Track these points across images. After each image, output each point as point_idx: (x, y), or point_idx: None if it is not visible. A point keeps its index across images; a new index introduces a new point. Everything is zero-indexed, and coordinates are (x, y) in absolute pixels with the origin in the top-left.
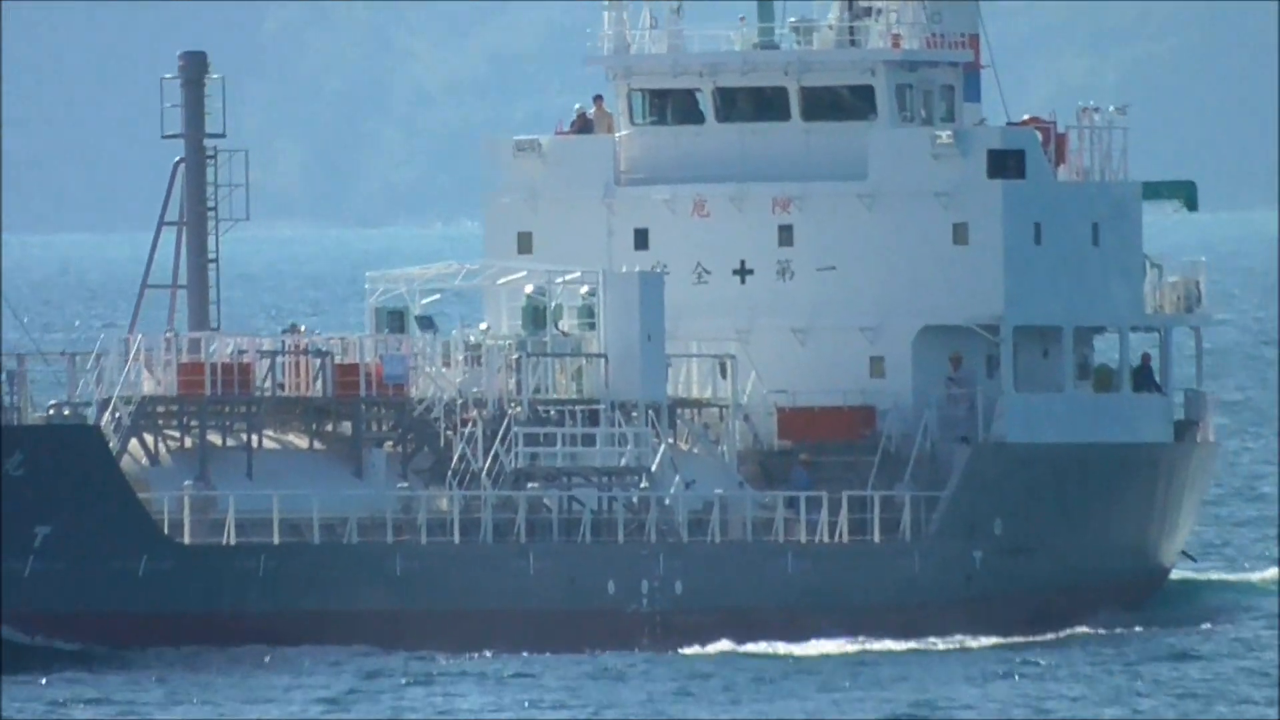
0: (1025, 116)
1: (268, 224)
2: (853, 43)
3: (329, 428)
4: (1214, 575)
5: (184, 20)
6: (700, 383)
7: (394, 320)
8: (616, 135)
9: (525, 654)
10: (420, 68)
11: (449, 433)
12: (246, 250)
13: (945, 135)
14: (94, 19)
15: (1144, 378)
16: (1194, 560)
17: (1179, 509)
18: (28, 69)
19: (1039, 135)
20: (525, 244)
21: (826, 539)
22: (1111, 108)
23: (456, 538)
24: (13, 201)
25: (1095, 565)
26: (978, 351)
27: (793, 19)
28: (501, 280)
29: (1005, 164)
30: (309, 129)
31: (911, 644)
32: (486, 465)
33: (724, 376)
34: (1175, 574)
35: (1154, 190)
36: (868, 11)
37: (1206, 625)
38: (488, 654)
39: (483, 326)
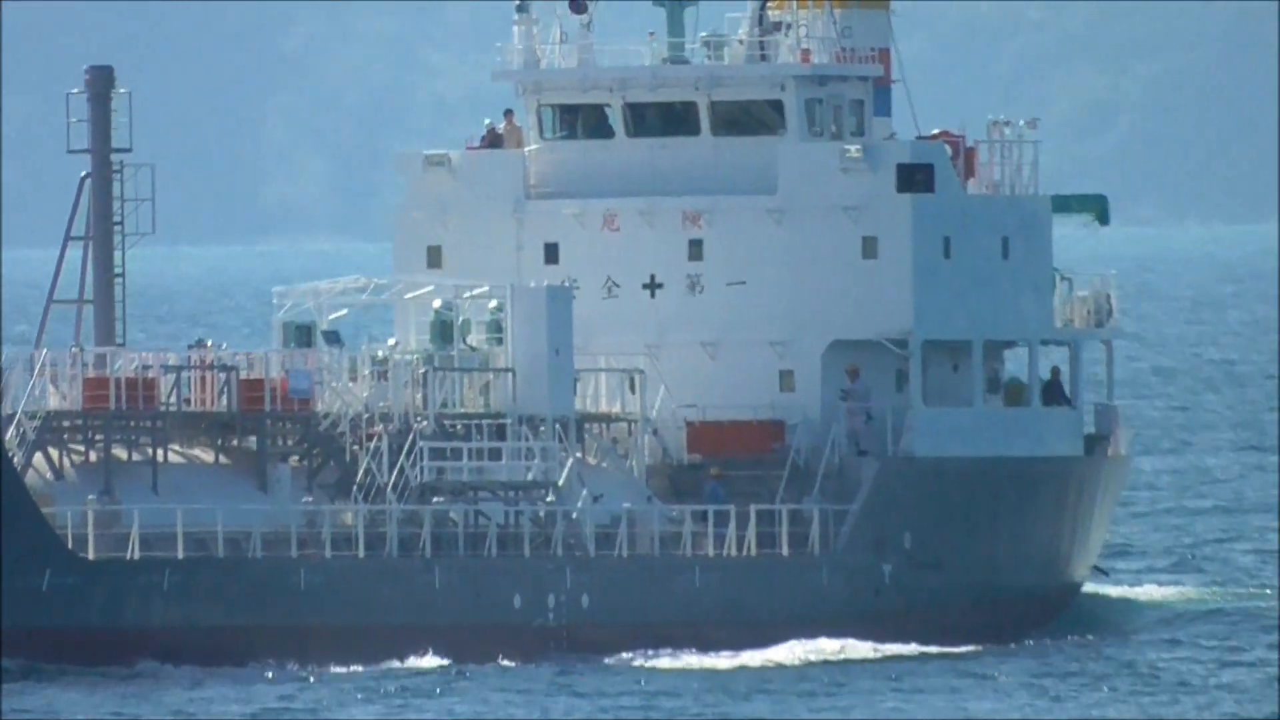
0: (935, 130)
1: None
2: (763, 58)
3: (235, 443)
4: (1126, 590)
5: (212, 24)
6: (609, 397)
7: (301, 335)
8: (526, 150)
9: (436, 665)
10: (442, 82)
11: (355, 447)
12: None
13: (854, 150)
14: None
15: (1054, 392)
16: (1106, 574)
17: (1090, 523)
18: None
19: (948, 149)
20: (435, 258)
21: (734, 553)
22: (1022, 121)
23: (361, 552)
24: None
25: (1006, 579)
26: (888, 366)
27: (703, 34)
28: (408, 295)
29: (914, 178)
30: (331, 142)
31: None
32: (392, 480)
33: (633, 391)
34: (1088, 588)
35: (1065, 204)
36: (778, 26)
37: (1108, 640)
38: (396, 664)
39: (392, 342)
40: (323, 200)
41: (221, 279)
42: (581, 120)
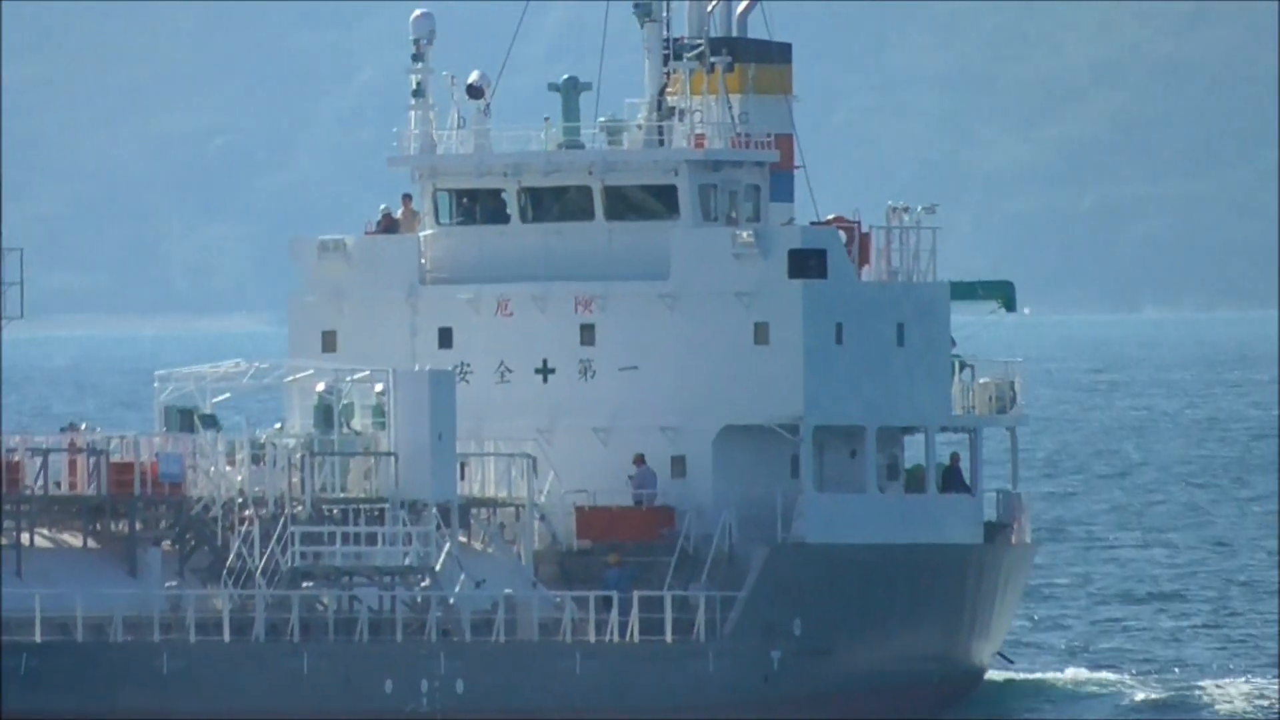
0: (830, 216)
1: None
2: (661, 143)
3: (110, 526)
4: (1034, 675)
5: None
6: (498, 482)
7: (183, 419)
8: (421, 235)
9: None
10: (995, 155)
11: (227, 532)
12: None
13: (746, 235)
14: None
15: (952, 478)
16: (1010, 662)
17: (991, 610)
18: None
19: (842, 235)
20: (330, 343)
21: (617, 639)
22: (920, 207)
23: (227, 636)
24: None
25: (900, 666)
26: (781, 452)
27: (602, 118)
28: (288, 378)
29: (806, 264)
30: (883, 214)
31: None
32: (262, 564)
33: (520, 476)
34: (993, 675)
35: (971, 290)
36: (673, 112)
37: None
38: None
39: (278, 426)
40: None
41: None
42: (480, 205)
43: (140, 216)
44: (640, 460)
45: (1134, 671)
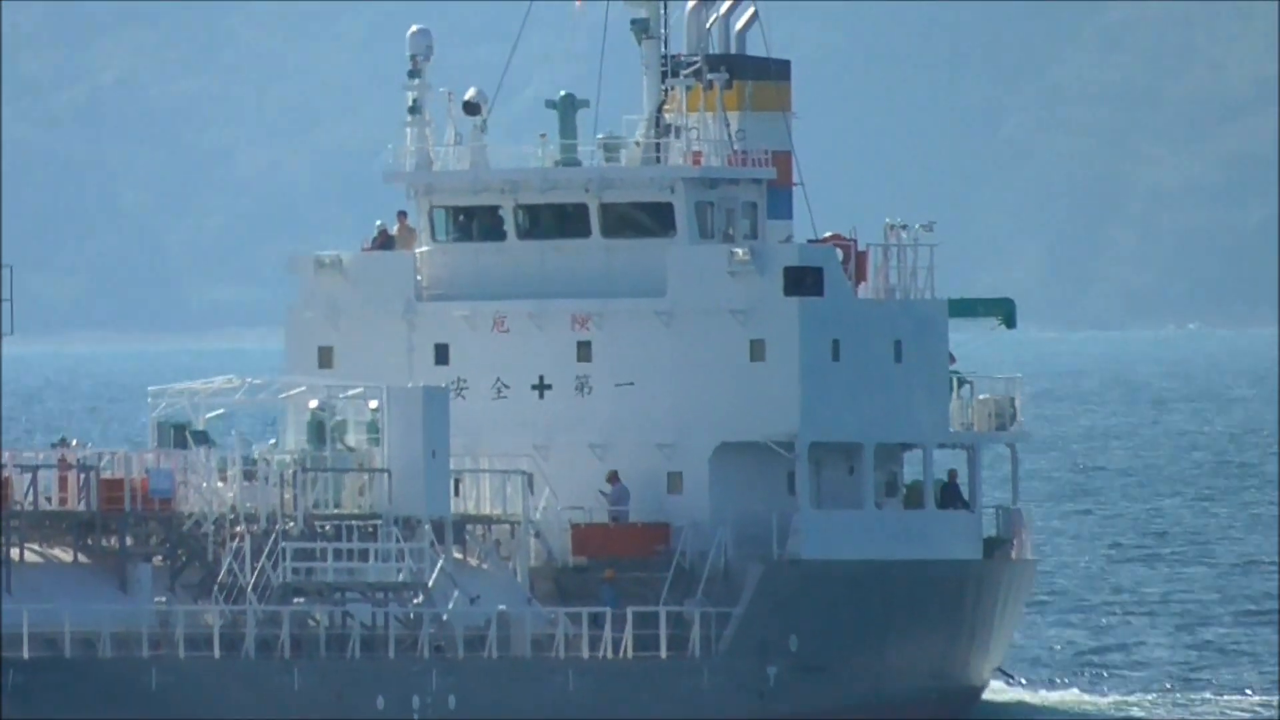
0: (827, 234)
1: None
2: (658, 160)
3: (100, 542)
4: (1032, 694)
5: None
6: (493, 499)
7: (177, 435)
8: (417, 251)
9: None
10: (1159, 171)
11: (218, 548)
12: None
13: (742, 253)
14: None
15: (950, 495)
16: (1011, 678)
17: (990, 627)
18: None
19: (839, 252)
20: (326, 359)
21: (611, 655)
22: (918, 225)
23: (217, 652)
24: None
25: (898, 683)
26: (778, 469)
27: (600, 135)
28: (282, 395)
29: (803, 281)
30: (1048, 230)
31: None
32: (253, 580)
33: (515, 492)
34: (992, 693)
35: (971, 308)
36: (668, 130)
37: None
38: None
39: (272, 442)
40: (1038, 288)
41: None
42: (476, 222)
43: (304, 231)
44: (614, 477)
45: (1134, 689)
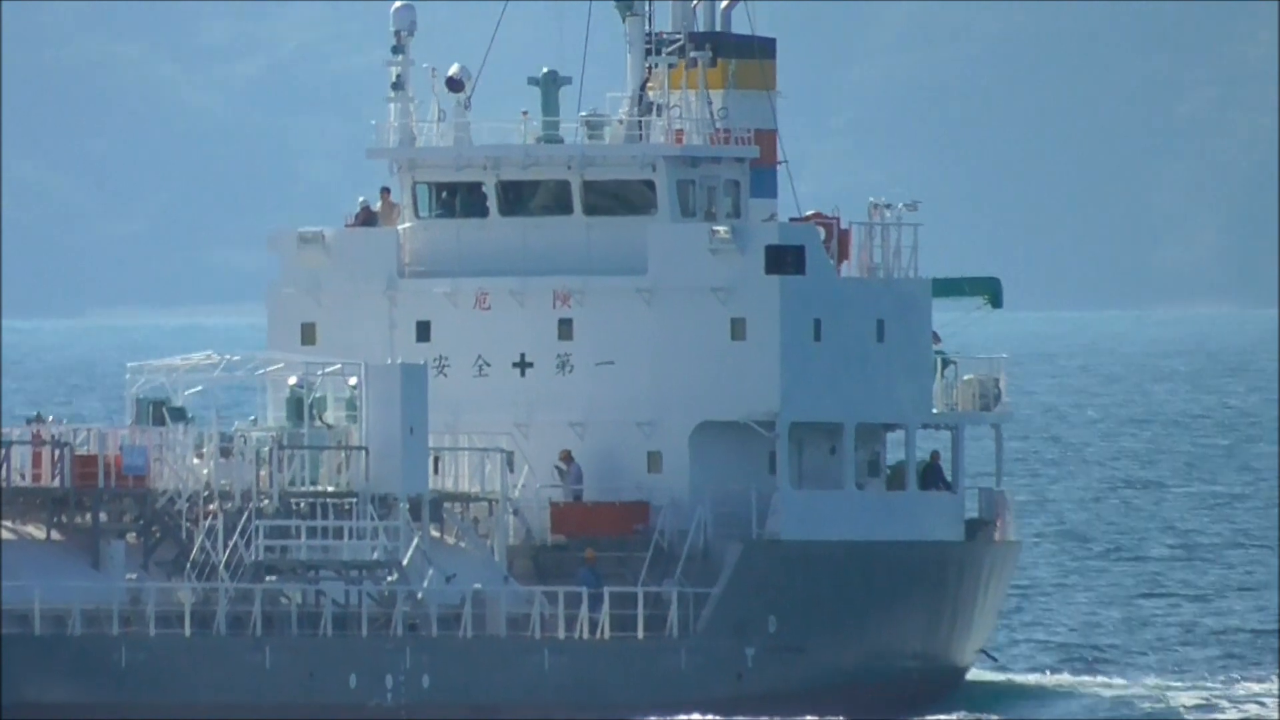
0: (809, 212)
1: None
2: (640, 138)
3: (74, 519)
4: (1017, 675)
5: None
6: (471, 476)
7: (155, 411)
8: (400, 228)
9: None
10: None
11: (190, 525)
12: None
13: (723, 231)
14: None
15: (932, 476)
16: (994, 660)
17: (972, 608)
18: None
19: (821, 231)
20: (309, 335)
21: (587, 635)
22: (901, 204)
23: (188, 630)
24: None
25: (877, 664)
26: (759, 448)
27: (583, 113)
28: (259, 371)
29: (784, 260)
30: (1224, 208)
31: None
32: (225, 557)
33: (494, 470)
34: (975, 673)
35: (957, 287)
36: (651, 108)
37: None
38: None
39: (252, 419)
40: (1213, 265)
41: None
42: (460, 199)
43: None
44: (567, 456)
45: (1117, 672)
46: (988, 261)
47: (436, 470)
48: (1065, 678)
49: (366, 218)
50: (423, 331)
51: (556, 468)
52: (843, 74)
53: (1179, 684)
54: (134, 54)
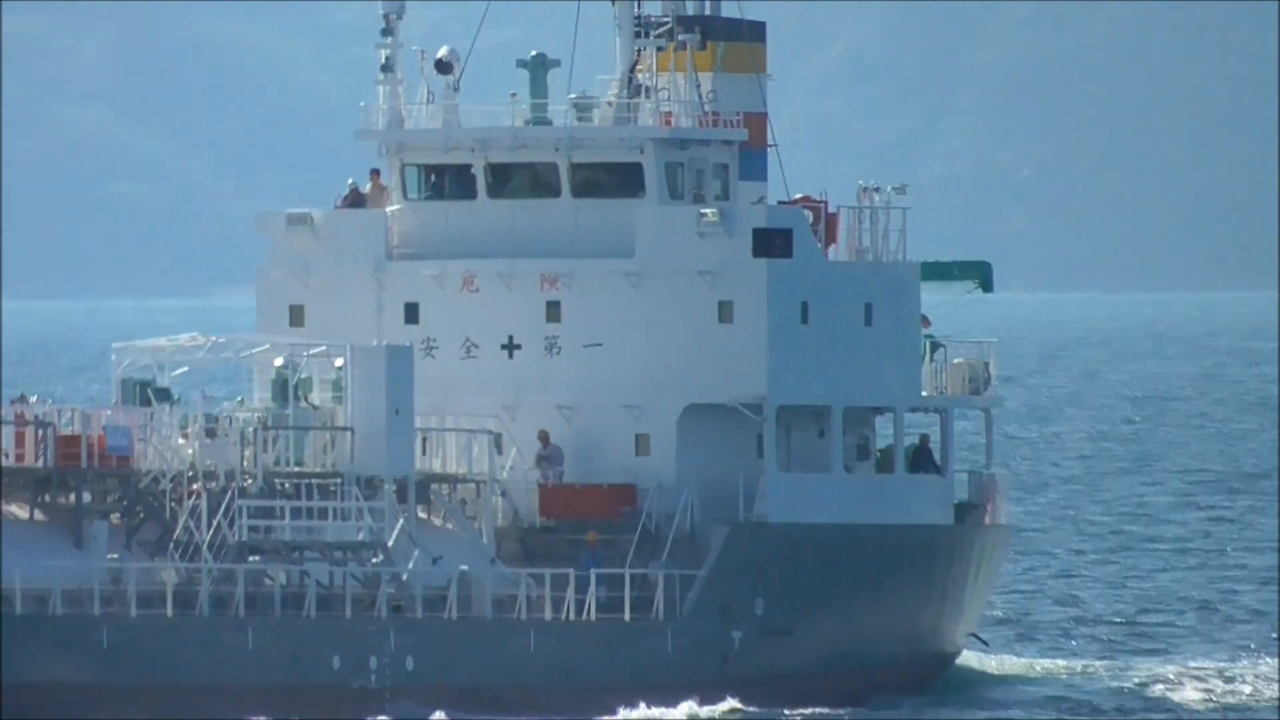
0: (797, 195)
1: None
2: (629, 121)
3: (57, 499)
4: (1008, 657)
5: None
6: (459, 458)
7: (141, 392)
8: (388, 210)
9: None
10: None
11: (174, 505)
12: None
13: (711, 214)
14: None
15: (922, 459)
16: (985, 644)
17: (962, 592)
18: None
19: (808, 214)
20: (297, 317)
21: (573, 617)
22: (890, 187)
23: (170, 610)
24: None
25: (864, 647)
26: (747, 431)
27: (573, 95)
28: (245, 353)
29: (771, 243)
30: None
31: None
32: (208, 538)
33: (482, 452)
34: (967, 657)
35: (948, 271)
36: (638, 90)
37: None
38: None
39: (239, 400)
40: None
41: None
42: (449, 181)
43: None
44: (545, 438)
45: (1102, 657)
46: (1104, 243)
47: (424, 451)
48: (1056, 662)
49: (355, 199)
50: (411, 313)
51: (543, 456)
52: (972, 53)
53: (1171, 668)
54: (262, 33)
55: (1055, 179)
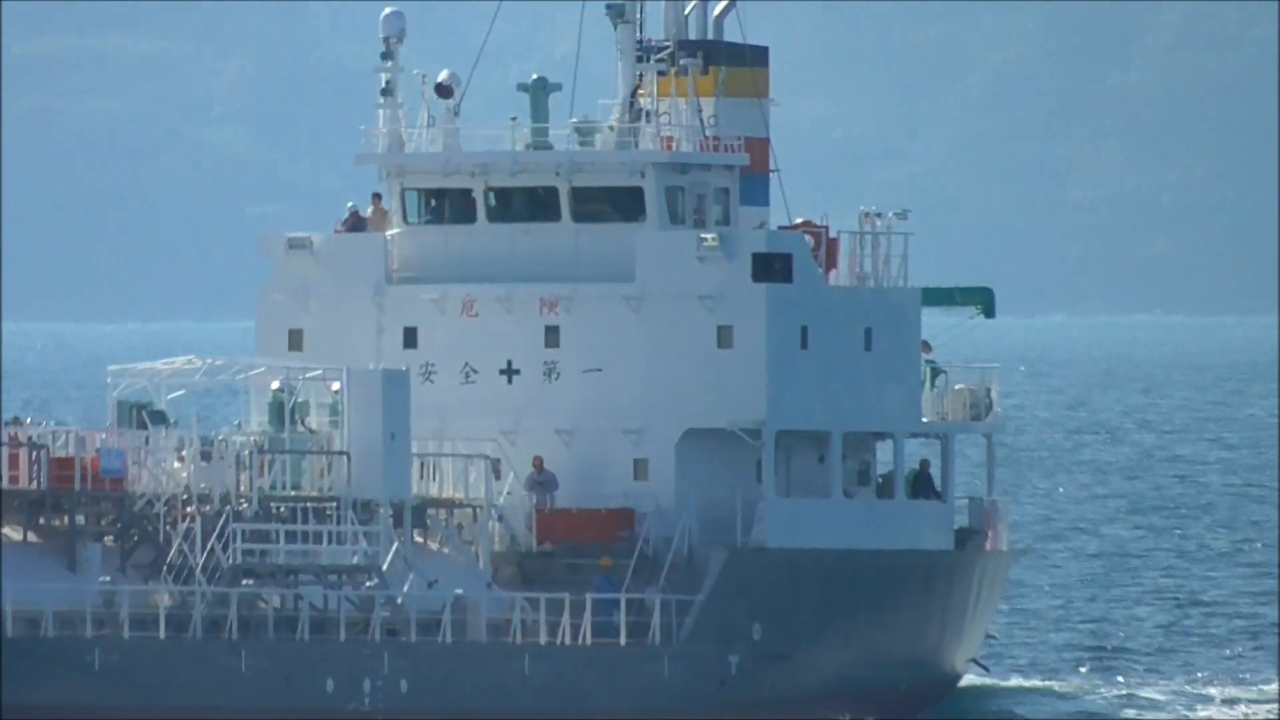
0: (798, 220)
1: None
2: (631, 145)
3: (51, 521)
4: (1011, 683)
5: None
6: (456, 483)
7: (136, 414)
8: (388, 234)
9: None
10: None
11: (169, 528)
12: None
13: (710, 238)
14: None
15: (922, 484)
16: (986, 669)
17: (963, 618)
18: None
19: (809, 239)
20: (296, 341)
21: (568, 641)
22: (891, 213)
23: (162, 633)
24: None
25: (865, 673)
26: (746, 456)
27: (574, 119)
28: (241, 376)
29: (771, 267)
30: None
31: None
32: (202, 561)
33: (479, 477)
34: (969, 682)
35: (949, 296)
36: (640, 114)
37: None
38: None
39: (237, 424)
40: None
41: None
42: (449, 205)
43: None
44: (539, 464)
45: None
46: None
47: (422, 476)
48: (1059, 682)
49: (355, 223)
50: (410, 338)
51: (539, 481)
52: (1119, 76)
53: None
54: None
55: (1202, 202)
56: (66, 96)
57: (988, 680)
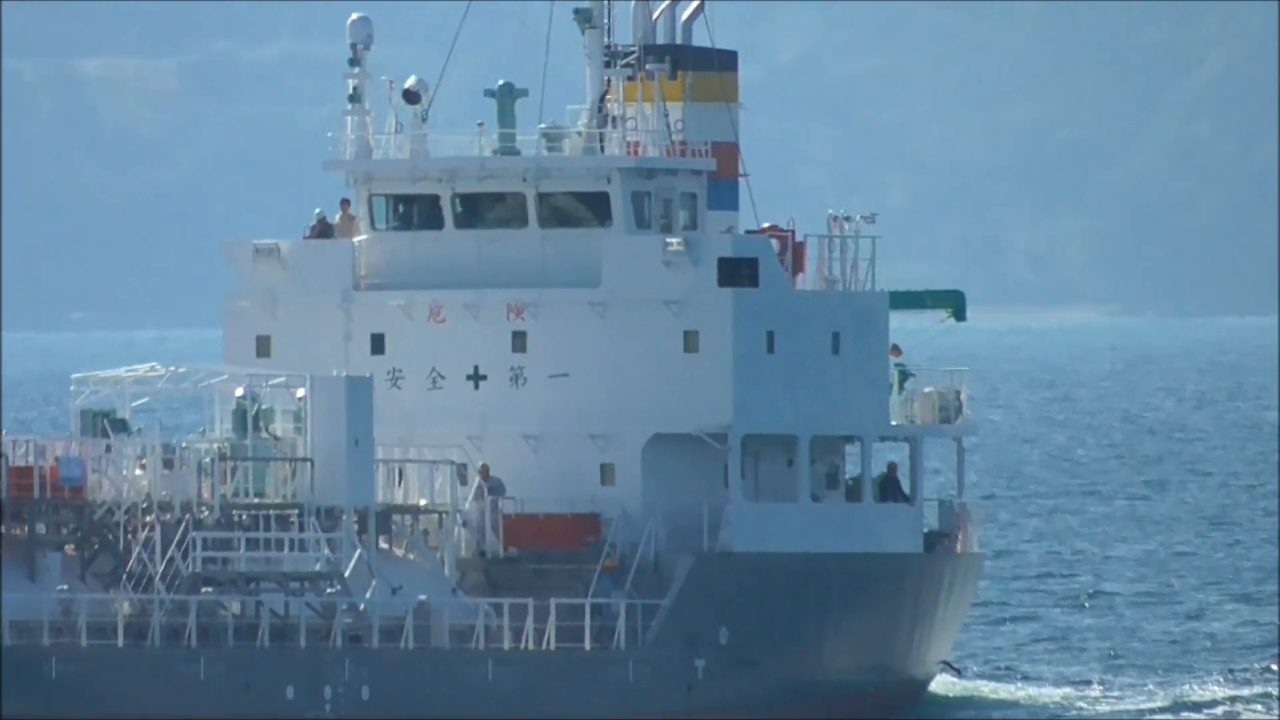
0: (765, 224)
1: None
2: (597, 150)
3: (14, 530)
4: (982, 685)
5: None
6: (422, 488)
7: (100, 423)
8: (356, 240)
9: None
10: None
11: (129, 536)
12: None
13: (676, 243)
14: None
15: (890, 488)
16: (957, 672)
17: (932, 621)
18: None
19: (775, 243)
20: (264, 348)
21: (532, 646)
22: (859, 216)
23: (121, 641)
24: None
25: (831, 676)
26: (714, 461)
27: (542, 125)
28: (204, 383)
29: (737, 272)
30: None
31: None
32: (161, 569)
33: (449, 482)
34: (938, 686)
35: (919, 300)
36: (607, 119)
37: None
38: None
39: (201, 431)
40: None
41: None
42: (417, 211)
43: (982, 208)
44: (485, 472)
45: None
46: None
47: (388, 482)
48: (1029, 689)
49: (323, 229)
50: (377, 344)
51: (488, 488)
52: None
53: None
54: None
55: None
56: None
57: (958, 683)
